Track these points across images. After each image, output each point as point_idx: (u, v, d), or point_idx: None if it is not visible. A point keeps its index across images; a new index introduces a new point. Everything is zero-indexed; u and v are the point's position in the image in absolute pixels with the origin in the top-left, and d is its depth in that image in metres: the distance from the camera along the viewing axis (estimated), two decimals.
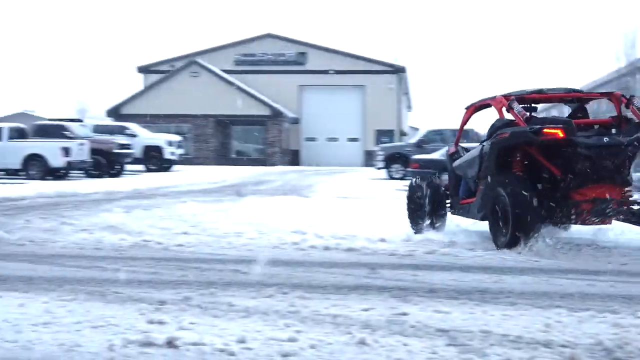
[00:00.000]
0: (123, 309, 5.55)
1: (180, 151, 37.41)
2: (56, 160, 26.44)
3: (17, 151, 26.63)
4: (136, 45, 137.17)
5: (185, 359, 4.33)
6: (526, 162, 9.22)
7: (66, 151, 26.49)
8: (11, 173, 27.34)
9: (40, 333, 4.83)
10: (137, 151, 33.64)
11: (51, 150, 26.49)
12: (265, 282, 6.74)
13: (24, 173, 26.66)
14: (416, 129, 51.35)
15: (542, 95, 9.96)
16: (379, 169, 31.83)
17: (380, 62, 52.47)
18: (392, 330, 4.95)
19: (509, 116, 9.76)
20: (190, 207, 14.14)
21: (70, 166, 27.00)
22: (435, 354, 4.44)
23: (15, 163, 26.64)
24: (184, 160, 39.96)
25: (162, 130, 43.95)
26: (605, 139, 8.87)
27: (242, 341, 4.62)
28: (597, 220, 9.11)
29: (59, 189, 20.34)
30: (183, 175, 30.52)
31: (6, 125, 28.23)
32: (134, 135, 34.84)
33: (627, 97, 9.61)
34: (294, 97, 51.95)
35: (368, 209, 12.22)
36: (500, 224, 8.87)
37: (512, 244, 8.61)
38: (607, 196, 8.82)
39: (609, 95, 10.08)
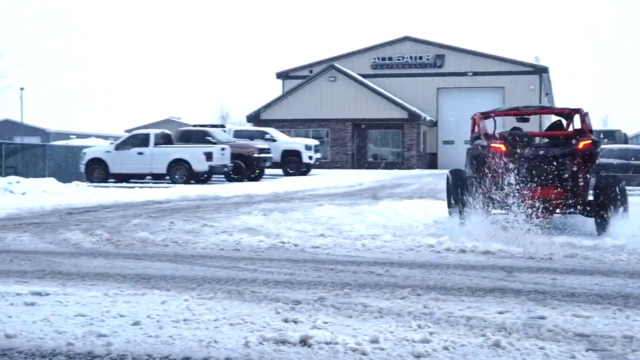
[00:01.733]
0: (259, 308, 5.67)
1: (318, 155, 37.81)
2: (199, 164, 27.28)
3: (163, 156, 27.68)
4: (276, 52, 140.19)
5: (318, 357, 4.38)
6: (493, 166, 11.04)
7: (208, 156, 27.27)
8: (157, 177, 28.43)
9: (181, 329, 5.00)
10: (275, 155, 34.21)
11: (194, 155, 27.36)
12: (399, 284, 6.73)
13: (168, 177, 27.65)
14: None
15: (517, 112, 12.37)
16: None
17: (520, 62, 51.34)
18: (528, 333, 4.84)
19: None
20: (326, 210, 14.27)
21: (212, 170, 27.78)
22: (573, 358, 4.31)
23: (161, 168, 27.67)
24: (322, 164, 40.40)
25: (300, 134, 44.67)
26: (541, 151, 11.11)
27: (374, 341, 4.63)
28: (540, 215, 10.28)
29: (201, 192, 20.98)
30: (320, 179, 30.83)
31: (153, 131, 29.39)
32: (273, 140, 35.48)
33: (584, 113, 11.53)
34: (431, 100, 51.61)
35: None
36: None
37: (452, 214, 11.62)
38: (546, 197, 10.65)
39: (576, 111, 11.84)
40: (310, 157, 36.24)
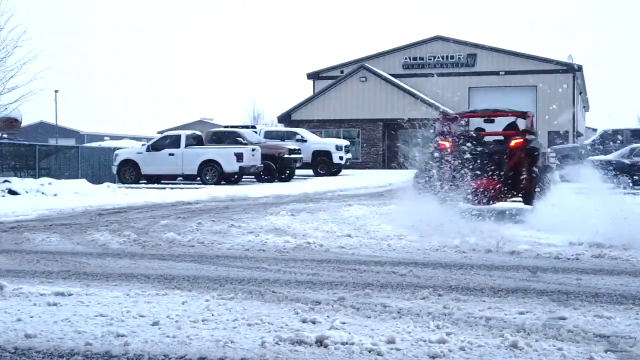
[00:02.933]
0: (279, 308, 5.68)
1: (349, 155, 37.71)
2: (230, 165, 27.34)
3: (193, 157, 27.80)
4: (307, 53, 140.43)
5: (333, 358, 4.37)
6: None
7: (239, 157, 27.33)
8: (188, 178, 28.57)
9: (199, 329, 5.02)
10: (306, 156, 34.17)
11: (225, 156, 27.44)
12: (421, 284, 6.70)
13: (199, 178, 27.78)
14: (594, 130, 49.31)
15: (475, 115, 14.62)
16: None
17: (553, 61, 50.80)
18: (547, 334, 4.79)
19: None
20: (354, 211, 14.27)
21: (243, 171, 27.84)
22: (591, 359, 4.25)
23: (192, 169, 27.78)
24: (353, 165, 40.32)
25: (331, 135, 44.66)
26: (479, 148, 12.52)
27: (391, 342, 4.61)
28: (483, 202, 12.09)
29: (231, 193, 21.05)
30: (350, 180, 30.76)
31: (184, 132, 29.53)
32: (303, 141, 35.45)
33: (530, 116, 13.89)
34: (463, 99, 51.28)
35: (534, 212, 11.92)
36: None
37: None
38: (482, 187, 12.05)
39: (525, 114, 14.16)
40: (341, 158, 36.16)
